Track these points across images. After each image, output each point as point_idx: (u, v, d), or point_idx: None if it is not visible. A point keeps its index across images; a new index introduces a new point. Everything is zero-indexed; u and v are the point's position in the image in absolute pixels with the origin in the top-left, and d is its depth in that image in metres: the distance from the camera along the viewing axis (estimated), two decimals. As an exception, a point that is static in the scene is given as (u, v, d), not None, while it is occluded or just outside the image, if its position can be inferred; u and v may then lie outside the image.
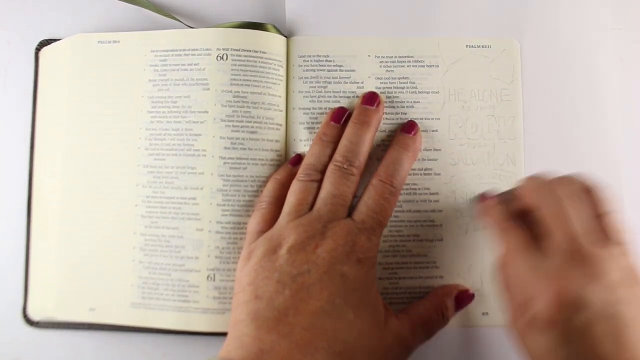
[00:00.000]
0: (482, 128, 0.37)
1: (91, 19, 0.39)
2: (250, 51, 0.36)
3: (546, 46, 0.38)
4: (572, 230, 0.28)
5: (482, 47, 0.37)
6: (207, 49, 0.36)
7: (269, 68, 0.36)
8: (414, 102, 0.37)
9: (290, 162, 0.36)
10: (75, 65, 0.37)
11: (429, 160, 0.37)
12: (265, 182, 0.35)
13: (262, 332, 0.29)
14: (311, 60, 0.37)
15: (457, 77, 0.37)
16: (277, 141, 0.36)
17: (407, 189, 0.36)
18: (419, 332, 0.33)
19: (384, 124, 0.37)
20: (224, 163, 0.35)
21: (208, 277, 0.35)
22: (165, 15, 0.38)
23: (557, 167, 0.37)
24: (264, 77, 0.36)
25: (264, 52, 0.36)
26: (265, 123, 0.36)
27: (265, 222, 0.34)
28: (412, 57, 0.37)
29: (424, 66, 0.37)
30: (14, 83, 0.39)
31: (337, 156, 0.34)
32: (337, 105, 0.37)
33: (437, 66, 0.37)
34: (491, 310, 0.36)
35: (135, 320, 0.35)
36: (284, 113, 0.37)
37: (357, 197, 0.34)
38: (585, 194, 0.29)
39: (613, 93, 0.38)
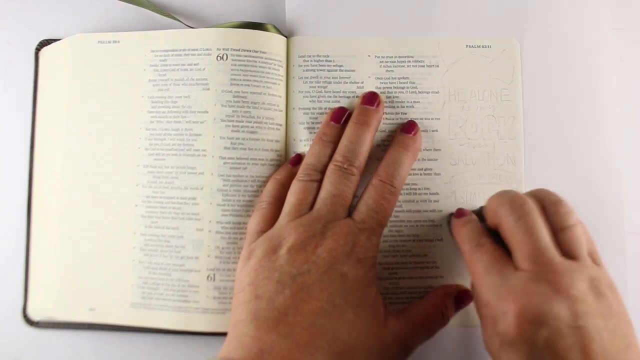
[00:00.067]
0: (482, 128, 0.37)
1: (91, 19, 0.39)
2: (250, 51, 0.36)
3: (546, 46, 0.38)
4: (535, 245, 0.28)
5: (482, 47, 0.37)
6: (207, 49, 0.36)
7: (269, 68, 0.36)
8: (414, 102, 0.37)
9: (290, 162, 0.36)
10: (75, 65, 0.37)
11: (429, 160, 0.37)
12: (265, 182, 0.35)
13: (262, 332, 0.29)
14: (311, 60, 0.37)
15: (457, 77, 0.37)
16: (277, 141, 0.36)
17: (407, 189, 0.36)
18: (419, 332, 0.33)
19: (384, 124, 0.37)
20: (224, 163, 0.35)
21: (208, 277, 0.35)
22: (165, 15, 0.38)
23: (557, 167, 0.37)
24: (264, 77, 0.36)
25: (264, 52, 0.36)
26: (265, 123, 0.36)
27: (265, 222, 0.34)
28: (412, 57, 0.37)
29: (424, 66, 0.37)
30: (14, 83, 0.39)
31: (337, 156, 0.34)
32: (337, 105, 0.37)
33: (437, 66, 0.37)
34: (491, 310, 0.36)
35: (135, 320, 0.35)
36: (284, 113, 0.37)
37: (357, 197, 0.34)
38: (549, 207, 0.29)
39: (613, 93, 0.38)
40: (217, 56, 0.36)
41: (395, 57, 0.37)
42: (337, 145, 0.35)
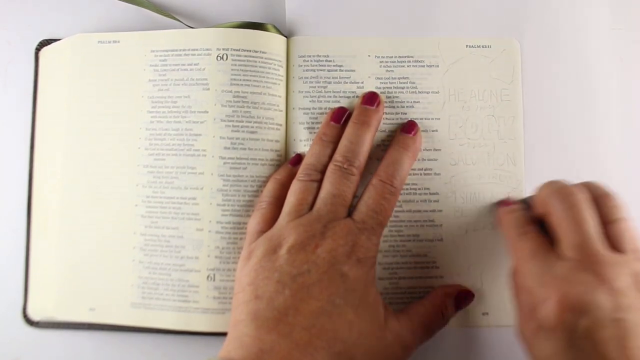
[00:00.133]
0: (482, 128, 0.37)
1: (91, 19, 0.39)
2: (250, 51, 0.36)
3: (546, 46, 0.38)
4: (583, 235, 0.28)
5: (482, 47, 0.37)
6: (207, 49, 0.36)
7: (269, 68, 0.36)
8: (414, 102, 0.37)
9: (290, 162, 0.36)
10: (75, 65, 0.37)
11: (429, 160, 0.37)
12: (265, 182, 0.35)
13: (262, 332, 0.29)
14: (311, 60, 0.37)
15: (457, 77, 0.37)
16: (277, 141, 0.36)
17: (407, 189, 0.36)
18: (419, 332, 0.33)
19: (384, 124, 0.37)
20: (224, 163, 0.35)
21: (208, 277, 0.35)
22: (165, 15, 0.38)
23: (557, 167, 0.37)
24: (264, 77, 0.36)
25: (264, 52, 0.36)
26: (265, 123, 0.36)
27: (265, 222, 0.34)
28: (412, 57, 0.37)
29: (424, 66, 0.37)
30: (14, 83, 0.39)
31: (337, 156, 0.34)
32: (337, 105, 0.37)
33: (437, 66, 0.37)
34: (491, 310, 0.36)
35: (135, 320, 0.35)
36: (284, 113, 0.37)
37: (357, 197, 0.34)
38: (599, 200, 0.29)
39: (613, 93, 0.38)
40: (217, 56, 0.36)
41: (395, 57, 0.37)
42: (337, 145, 0.35)
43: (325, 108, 0.37)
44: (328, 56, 0.37)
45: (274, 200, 0.34)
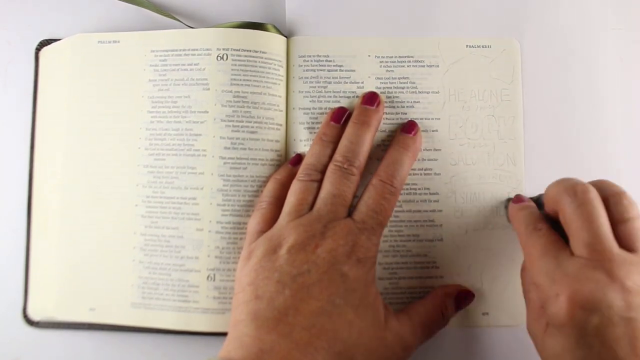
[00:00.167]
0: (482, 128, 0.37)
1: (91, 19, 0.39)
2: (250, 51, 0.36)
3: (546, 46, 0.38)
4: (594, 232, 0.28)
5: (482, 47, 0.37)
6: (207, 49, 0.36)
7: (269, 68, 0.36)
8: (414, 102, 0.37)
9: (290, 162, 0.36)
10: (75, 65, 0.37)
11: (429, 160, 0.37)
12: (265, 182, 0.35)
13: (262, 332, 0.29)
14: (311, 60, 0.37)
15: (457, 77, 0.37)
16: (277, 141, 0.36)
17: (407, 189, 0.36)
18: (419, 332, 0.33)
19: (384, 124, 0.37)
20: (224, 163, 0.35)
21: (208, 277, 0.35)
22: (165, 15, 0.38)
23: (557, 167, 0.37)
24: (264, 77, 0.36)
25: (264, 52, 0.36)
26: (266, 123, 0.36)
27: (265, 222, 0.34)
28: (412, 57, 0.37)
29: (424, 66, 0.37)
30: (14, 83, 0.39)
31: (337, 156, 0.34)
32: (337, 105, 0.37)
33: (437, 66, 0.37)
34: (491, 310, 0.36)
35: (135, 320, 0.35)
36: (284, 113, 0.37)
37: (357, 197, 0.34)
38: (610, 198, 0.29)
39: (613, 93, 0.38)
40: (217, 56, 0.36)
41: (395, 57, 0.37)
42: (337, 145, 0.35)
43: (325, 108, 0.37)
44: (328, 56, 0.37)
45: (274, 200, 0.34)
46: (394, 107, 0.37)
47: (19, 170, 0.38)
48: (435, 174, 0.37)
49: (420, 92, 0.37)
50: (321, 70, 0.37)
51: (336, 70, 0.37)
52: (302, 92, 0.37)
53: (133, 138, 0.36)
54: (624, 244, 0.28)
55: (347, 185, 0.33)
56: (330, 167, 0.34)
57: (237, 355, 0.29)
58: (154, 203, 0.36)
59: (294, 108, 0.37)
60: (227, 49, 0.36)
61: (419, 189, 0.36)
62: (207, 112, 0.36)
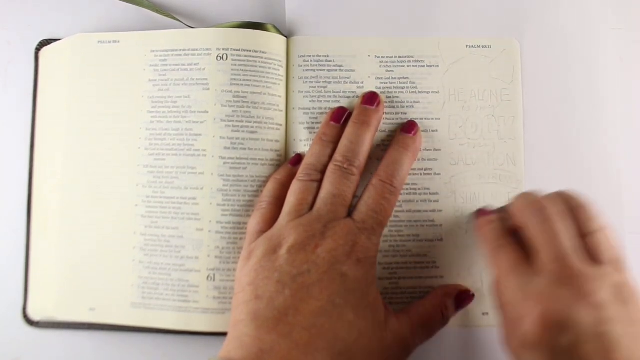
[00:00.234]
0: (482, 128, 0.37)
1: (91, 19, 0.39)
2: (250, 51, 0.36)
3: (546, 46, 0.38)
4: (559, 249, 0.28)
5: (482, 47, 0.37)
6: (207, 49, 0.36)
7: (269, 68, 0.36)
8: (414, 102, 0.37)
9: (290, 162, 0.36)
10: (75, 65, 0.37)
11: (429, 160, 0.37)
12: (265, 182, 0.35)
13: (262, 332, 0.29)
14: (311, 60, 0.37)
15: (457, 77, 0.37)
16: (277, 141, 0.36)
17: (407, 189, 0.36)
18: (419, 332, 0.33)
19: (384, 124, 0.37)
20: (224, 163, 0.35)
21: (208, 277, 0.35)
22: (165, 15, 0.38)
23: (557, 167, 0.37)
24: (264, 77, 0.36)
25: (264, 52, 0.36)
26: (265, 123, 0.36)
27: (265, 222, 0.34)
28: (412, 57, 0.37)
29: (424, 66, 0.37)
30: (14, 83, 0.39)
31: (337, 156, 0.34)
32: (337, 105, 0.37)
33: (437, 66, 0.37)
34: (491, 310, 0.36)
35: (135, 320, 0.35)
36: (284, 113, 0.37)
37: (357, 197, 0.34)
38: (575, 211, 0.29)
39: (613, 93, 0.38)
40: (217, 56, 0.36)
41: (395, 57, 0.37)
42: (337, 145, 0.35)
43: (325, 108, 0.37)
44: (328, 56, 0.37)
45: (274, 200, 0.34)
46: (394, 107, 0.37)
47: (19, 170, 0.38)
48: (435, 174, 0.37)
49: (420, 92, 0.37)
50: (321, 70, 0.37)
51: (336, 70, 0.37)
52: (302, 92, 0.37)
53: (133, 138, 0.36)
54: (591, 256, 0.28)
55: (347, 185, 0.33)
56: (330, 167, 0.34)
57: (237, 355, 0.29)
58: (154, 203, 0.36)
59: (294, 108, 0.37)
60: (227, 49, 0.36)
61: (419, 189, 0.36)
62: (207, 112, 0.36)
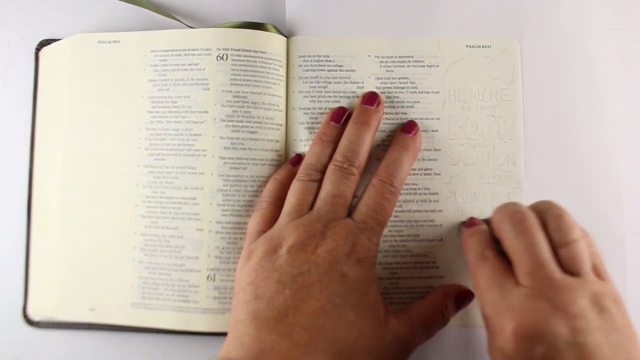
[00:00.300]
0: (482, 128, 0.37)
1: (91, 19, 0.39)
2: (250, 51, 0.36)
3: (546, 46, 0.38)
4: (535, 262, 0.28)
5: (482, 47, 0.37)
6: (207, 49, 0.36)
7: (269, 68, 0.36)
8: (414, 102, 0.37)
9: (290, 162, 0.36)
10: (75, 65, 0.37)
11: (429, 160, 0.37)
12: (265, 182, 0.35)
13: (262, 332, 0.29)
14: (311, 60, 0.37)
15: (457, 77, 0.37)
16: (277, 141, 0.36)
17: (407, 189, 0.36)
18: (419, 332, 0.33)
19: (384, 124, 0.37)
20: (224, 163, 0.35)
21: (208, 277, 0.35)
22: (165, 15, 0.38)
23: (557, 167, 0.37)
24: (264, 77, 0.36)
25: (264, 52, 0.36)
26: (265, 123, 0.36)
27: (265, 222, 0.34)
28: (412, 57, 0.37)
29: (424, 66, 0.37)
30: (14, 83, 0.39)
31: (337, 156, 0.34)
32: (337, 105, 0.37)
33: (437, 66, 0.37)
34: (491, 310, 0.36)
35: (135, 320, 0.35)
36: (284, 113, 0.37)
37: (357, 197, 0.34)
38: (551, 222, 0.29)
39: (613, 93, 0.38)
40: (217, 56, 0.36)
41: (395, 57, 0.37)
42: (337, 145, 0.35)
43: (325, 108, 0.37)
44: (328, 56, 0.37)
45: (274, 200, 0.34)
46: (394, 107, 0.37)
47: (19, 170, 0.38)
48: (435, 174, 0.37)
49: (420, 92, 0.37)
50: (321, 70, 0.37)
51: (336, 70, 0.37)
52: (302, 92, 0.37)
53: (133, 138, 0.36)
54: (567, 267, 0.28)
55: (347, 185, 0.33)
56: (330, 167, 0.34)
57: (237, 355, 0.29)
58: (154, 203, 0.36)
59: (294, 108, 0.37)
60: (227, 49, 0.36)
61: (419, 189, 0.36)
62: (207, 112, 0.36)
